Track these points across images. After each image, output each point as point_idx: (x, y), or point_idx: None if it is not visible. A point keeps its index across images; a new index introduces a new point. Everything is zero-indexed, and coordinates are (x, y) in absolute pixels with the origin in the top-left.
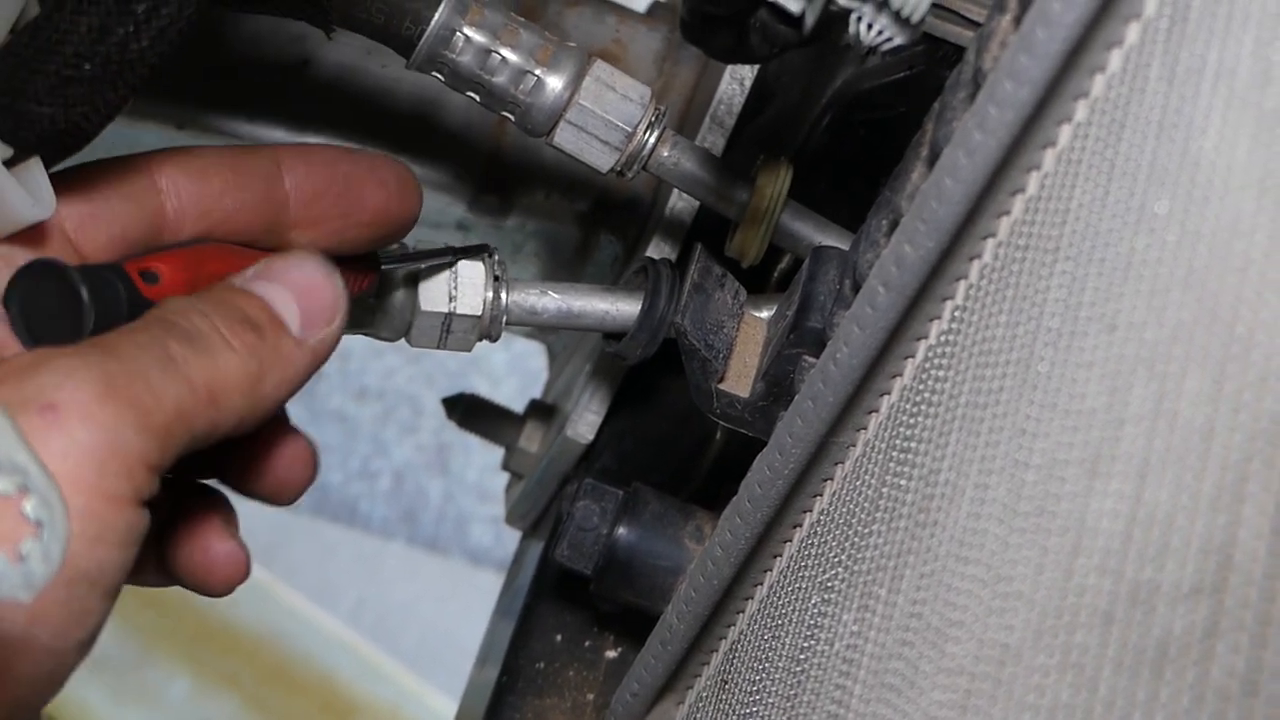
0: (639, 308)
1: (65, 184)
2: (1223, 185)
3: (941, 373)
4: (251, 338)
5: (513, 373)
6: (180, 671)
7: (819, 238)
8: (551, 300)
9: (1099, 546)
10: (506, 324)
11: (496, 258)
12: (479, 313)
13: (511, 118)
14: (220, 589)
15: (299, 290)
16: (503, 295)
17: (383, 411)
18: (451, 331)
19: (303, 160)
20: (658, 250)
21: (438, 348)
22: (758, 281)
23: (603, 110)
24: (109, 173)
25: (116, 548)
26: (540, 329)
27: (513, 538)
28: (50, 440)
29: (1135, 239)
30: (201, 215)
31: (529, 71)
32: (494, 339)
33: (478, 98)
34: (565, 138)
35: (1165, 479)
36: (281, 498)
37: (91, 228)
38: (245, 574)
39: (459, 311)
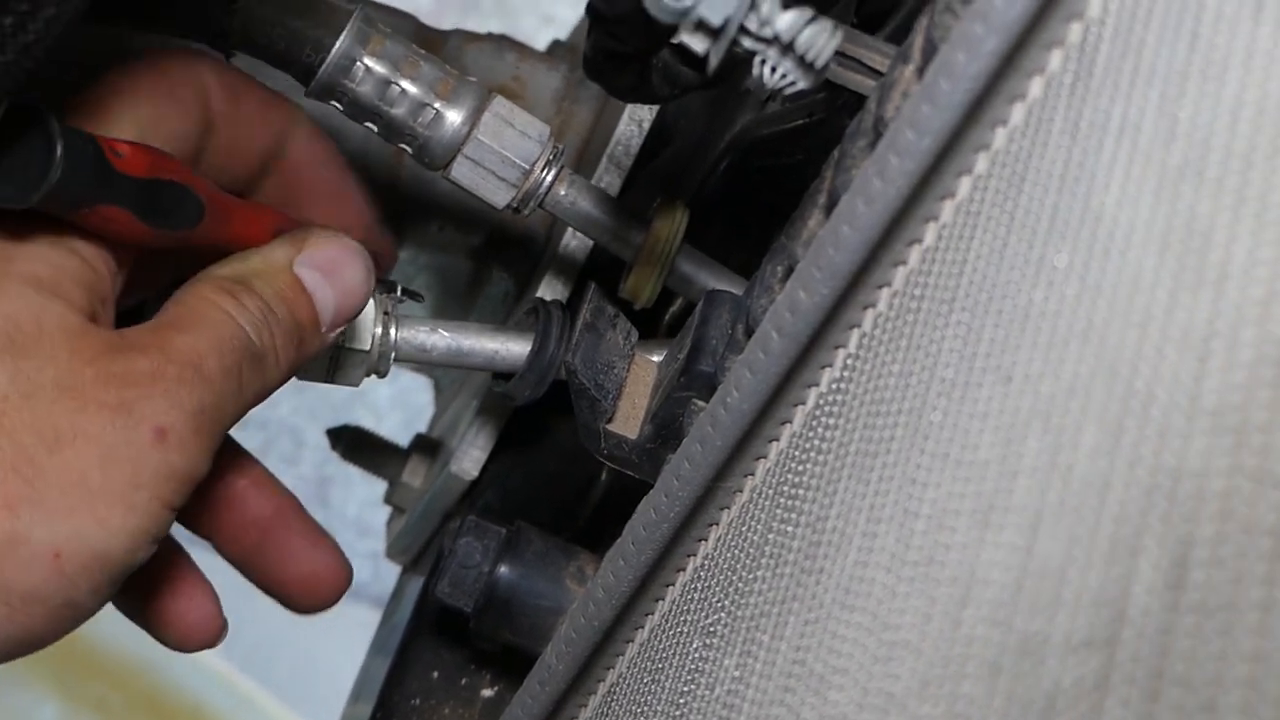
0: (529, 349)
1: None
2: (1124, 240)
3: (832, 420)
4: (294, 353)
5: (396, 407)
6: (49, 696)
7: (713, 282)
8: (441, 338)
9: (989, 597)
10: (395, 360)
11: (394, 294)
12: (367, 348)
13: (409, 150)
14: (191, 648)
15: (343, 290)
16: (392, 331)
17: (264, 442)
18: (340, 366)
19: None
20: (550, 289)
21: (325, 381)
22: (649, 325)
23: (501, 146)
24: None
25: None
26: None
27: (390, 575)
28: (152, 459)
29: (1034, 291)
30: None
31: (428, 104)
32: (382, 375)
33: (376, 129)
34: (462, 173)
35: (1059, 531)
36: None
37: None
38: (217, 642)
39: (348, 346)
